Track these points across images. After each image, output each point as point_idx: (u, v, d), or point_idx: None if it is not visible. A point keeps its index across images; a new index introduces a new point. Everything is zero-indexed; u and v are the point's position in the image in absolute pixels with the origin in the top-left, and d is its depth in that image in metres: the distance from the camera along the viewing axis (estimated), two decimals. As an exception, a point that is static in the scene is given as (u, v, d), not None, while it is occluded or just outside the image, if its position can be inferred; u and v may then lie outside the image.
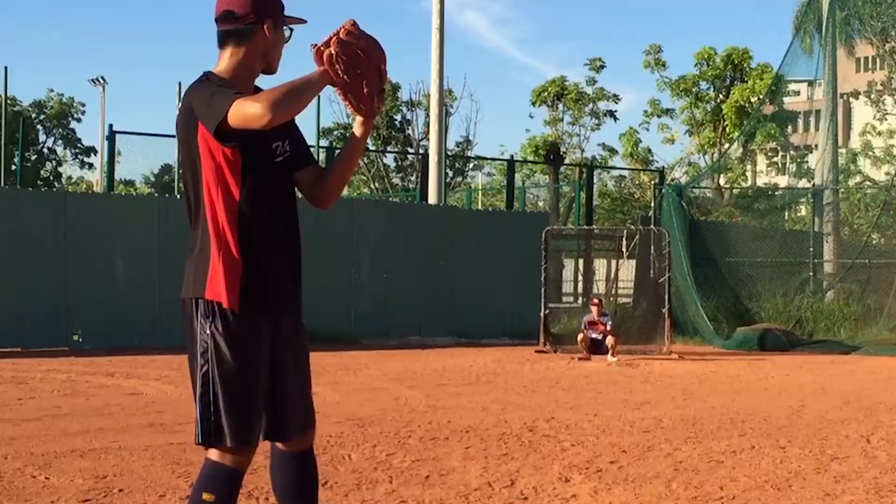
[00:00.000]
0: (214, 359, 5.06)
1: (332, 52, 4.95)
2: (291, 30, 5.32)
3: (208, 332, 5.08)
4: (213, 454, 5.11)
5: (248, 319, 5.08)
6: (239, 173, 5.06)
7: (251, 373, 5.09)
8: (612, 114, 54.13)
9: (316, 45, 5.00)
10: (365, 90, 5.07)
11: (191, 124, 5.06)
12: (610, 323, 22.57)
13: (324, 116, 55.00)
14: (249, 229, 5.09)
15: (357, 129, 5.28)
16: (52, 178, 70.26)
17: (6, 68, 27.58)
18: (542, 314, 24.25)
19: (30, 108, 70.14)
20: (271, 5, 5.22)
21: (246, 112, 4.77)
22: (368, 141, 41.06)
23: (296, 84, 4.88)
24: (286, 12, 5.31)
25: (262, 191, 5.13)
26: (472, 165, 60.70)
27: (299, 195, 5.43)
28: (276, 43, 5.24)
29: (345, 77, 4.98)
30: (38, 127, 70.95)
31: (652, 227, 27.30)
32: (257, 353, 5.12)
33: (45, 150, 72.15)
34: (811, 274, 29.22)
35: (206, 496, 5.06)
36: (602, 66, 53.62)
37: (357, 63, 5.01)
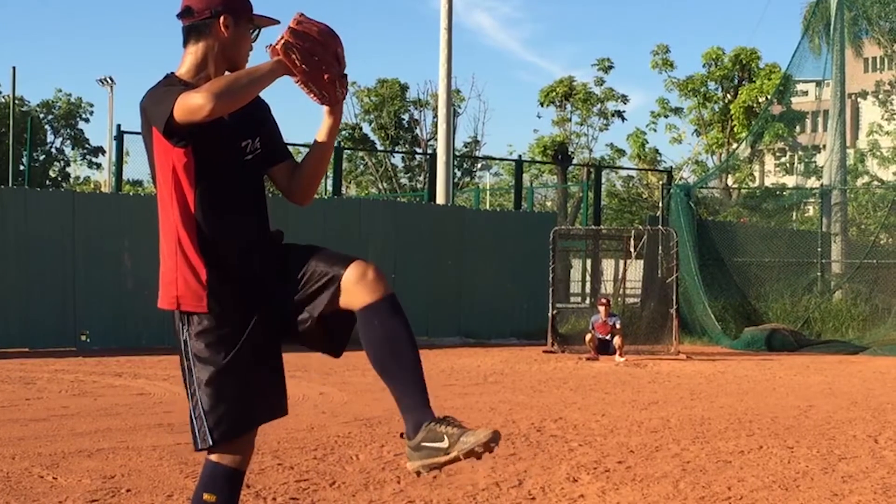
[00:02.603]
0: (195, 364, 5.08)
1: (286, 40, 4.90)
2: (259, 29, 5.25)
3: (184, 339, 5.12)
4: (212, 454, 5.12)
5: (220, 319, 5.05)
6: (192, 175, 5.00)
7: (231, 369, 5.04)
8: (620, 114, 54.26)
9: (271, 45, 4.97)
10: (325, 77, 5.00)
11: (146, 130, 5.06)
12: (618, 323, 22.57)
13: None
14: (208, 231, 5.04)
15: (325, 120, 5.21)
16: (60, 178, 70.45)
17: (14, 69, 27.81)
18: (549, 314, 24.27)
19: (38, 109, 70.34)
20: (232, 3, 5.15)
21: (188, 104, 4.74)
22: (376, 141, 40.87)
23: (240, 74, 4.86)
24: (258, 12, 5.25)
25: (223, 191, 5.06)
26: (480, 165, 60.81)
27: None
28: (237, 41, 5.16)
29: (303, 66, 4.92)
30: (47, 127, 71.17)
31: (660, 227, 27.28)
32: (235, 350, 5.05)
33: (54, 151, 72.38)
34: (819, 274, 29.20)
35: (206, 497, 5.07)
36: (610, 67, 53.77)
37: (313, 50, 4.94)
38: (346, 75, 5.11)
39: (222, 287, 5.06)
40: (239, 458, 5.12)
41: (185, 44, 5.18)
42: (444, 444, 4.86)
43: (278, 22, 5.25)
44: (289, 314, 5.15)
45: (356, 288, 5.01)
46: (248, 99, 4.89)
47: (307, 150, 5.38)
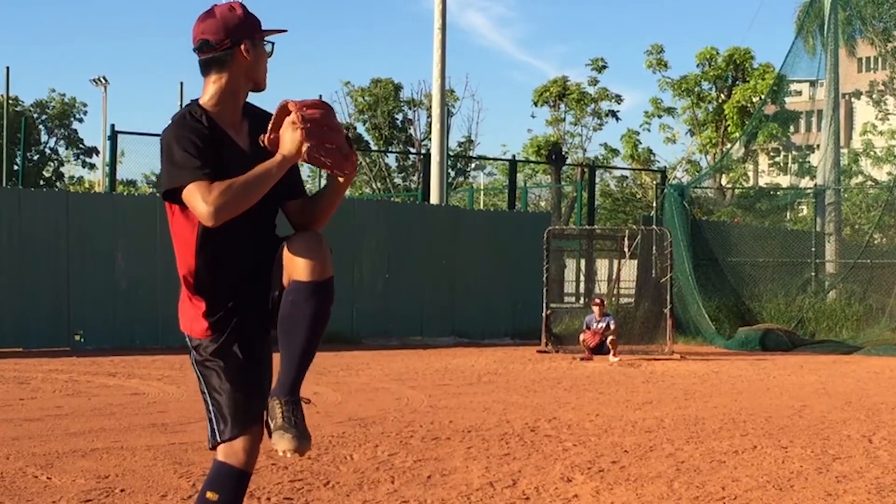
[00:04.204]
0: (201, 375, 5.28)
1: (307, 147, 4.92)
2: (273, 43, 5.28)
3: (192, 360, 5.31)
4: (220, 454, 5.22)
5: (218, 339, 5.23)
6: (196, 219, 5.08)
7: (229, 378, 5.23)
8: (614, 114, 54.26)
9: (264, 137, 4.99)
10: (343, 156, 5.08)
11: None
12: (612, 323, 22.56)
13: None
14: (208, 270, 5.18)
15: (340, 177, 5.25)
16: (54, 179, 70.31)
17: (8, 68, 27.70)
18: (543, 314, 24.26)
19: (32, 109, 70.20)
20: (245, 26, 5.17)
21: (195, 205, 4.86)
22: (370, 140, 40.91)
23: (250, 181, 4.89)
24: (265, 26, 5.26)
25: (228, 228, 5.07)
26: (473, 165, 60.84)
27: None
28: (258, 61, 5.20)
29: (327, 160, 5.01)
30: (41, 127, 71.01)
31: (654, 227, 27.28)
32: (232, 362, 5.24)
33: (47, 151, 72.22)
34: (813, 274, 29.21)
35: (209, 495, 5.18)
36: (604, 67, 53.76)
37: (326, 139, 4.99)
38: (353, 143, 5.17)
39: (220, 316, 5.22)
40: (244, 459, 5.22)
41: (205, 74, 5.20)
42: (271, 425, 5.04)
43: (286, 31, 5.32)
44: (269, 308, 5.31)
45: (298, 260, 5.10)
46: (255, 201, 4.97)
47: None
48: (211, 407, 5.25)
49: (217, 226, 4.86)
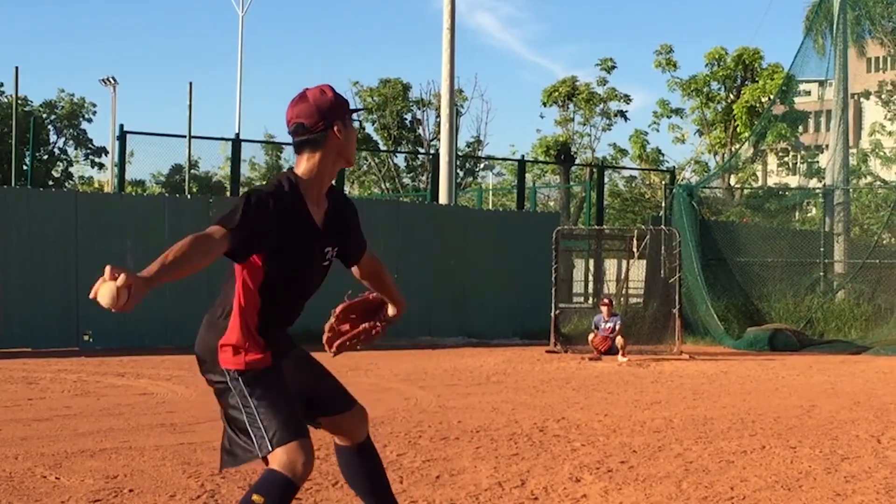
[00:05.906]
0: (247, 395, 5.43)
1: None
2: (360, 121, 5.51)
3: (235, 388, 5.45)
4: (274, 462, 5.31)
5: (272, 360, 5.50)
6: (261, 276, 5.41)
7: (281, 387, 5.45)
8: (623, 114, 54.19)
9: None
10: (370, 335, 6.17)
11: None
12: (618, 324, 22.55)
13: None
14: (268, 314, 5.49)
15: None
16: (63, 178, 70.33)
17: (17, 69, 27.68)
18: (552, 314, 24.26)
19: (41, 109, 70.20)
20: (337, 108, 5.45)
21: (211, 228, 5.20)
22: (379, 141, 40.98)
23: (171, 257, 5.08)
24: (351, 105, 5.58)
25: (292, 286, 5.50)
26: (482, 165, 60.72)
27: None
28: (349, 139, 5.51)
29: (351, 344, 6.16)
30: (50, 127, 71.00)
31: (662, 227, 27.25)
32: (280, 374, 5.50)
33: (56, 151, 72.23)
34: (822, 274, 29.19)
35: (255, 497, 5.28)
36: (613, 67, 53.74)
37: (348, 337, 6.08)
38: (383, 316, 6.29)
39: (275, 344, 5.54)
40: (300, 472, 5.32)
41: (299, 153, 5.49)
42: None
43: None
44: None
45: (360, 425, 6.05)
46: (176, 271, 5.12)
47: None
48: (258, 417, 5.35)
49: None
